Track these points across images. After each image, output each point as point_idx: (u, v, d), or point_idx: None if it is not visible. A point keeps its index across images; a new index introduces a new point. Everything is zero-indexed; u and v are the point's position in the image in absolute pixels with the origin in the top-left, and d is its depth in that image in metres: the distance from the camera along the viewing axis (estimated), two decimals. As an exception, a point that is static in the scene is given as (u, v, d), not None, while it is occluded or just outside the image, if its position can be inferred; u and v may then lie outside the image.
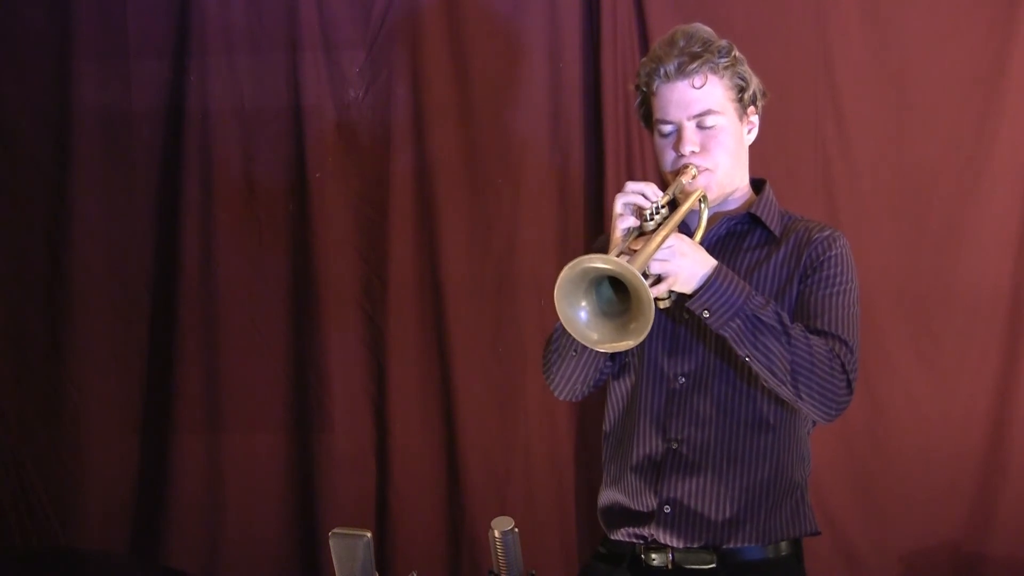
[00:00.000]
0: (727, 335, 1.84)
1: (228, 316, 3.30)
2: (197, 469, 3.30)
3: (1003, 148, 3.05)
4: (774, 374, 1.83)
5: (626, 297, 1.70)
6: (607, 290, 1.75)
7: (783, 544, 1.96)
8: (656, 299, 1.79)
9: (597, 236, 2.25)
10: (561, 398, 2.08)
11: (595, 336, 1.73)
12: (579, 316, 1.73)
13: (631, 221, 1.82)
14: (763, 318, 1.82)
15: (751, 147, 2.06)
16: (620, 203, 1.84)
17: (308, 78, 3.28)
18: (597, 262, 1.67)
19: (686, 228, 1.98)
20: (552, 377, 2.03)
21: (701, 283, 1.82)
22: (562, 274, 1.69)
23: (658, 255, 1.77)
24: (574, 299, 1.72)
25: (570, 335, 1.76)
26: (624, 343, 1.71)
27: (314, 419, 3.29)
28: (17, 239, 3.37)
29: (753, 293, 1.85)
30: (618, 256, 1.75)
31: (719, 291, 1.81)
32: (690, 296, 1.83)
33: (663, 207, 1.82)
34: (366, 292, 3.30)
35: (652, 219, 1.80)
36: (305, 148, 3.28)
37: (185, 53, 3.30)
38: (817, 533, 2.02)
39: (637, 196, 1.83)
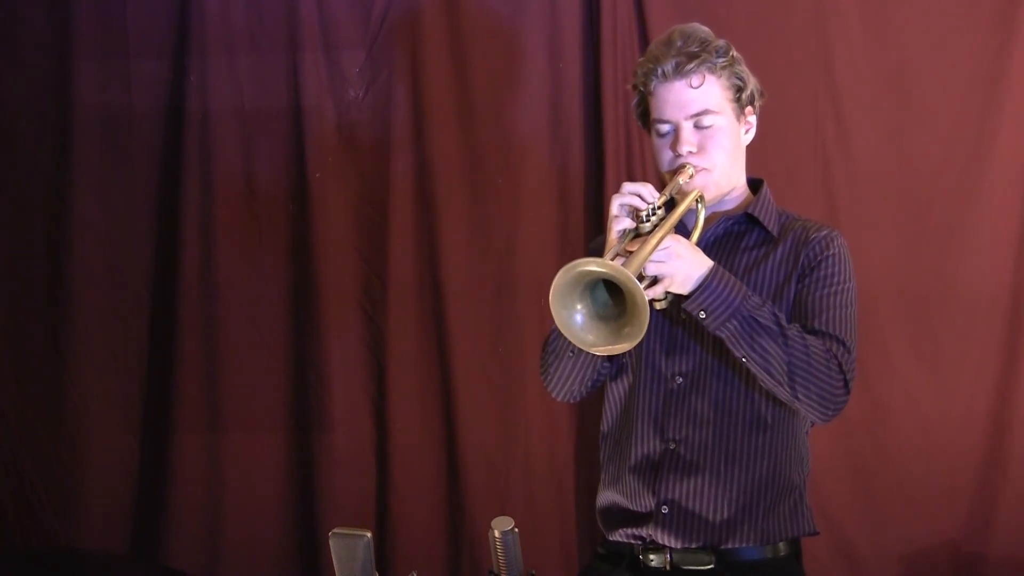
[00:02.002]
0: (724, 336, 1.84)
1: (228, 316, 3.30)
2: (197, 469, 3.29)
3: (1003, 148, 3.05)
4: (771, 375, 1.83)
5: (622, 300, 1.69)
6: (603, 293, 1.75)
7: (781, 545, 1.96)
8: (653, 300, 1.79)
9: (596, 236, 2.25)
10: (559, 399, 2.09)
11: (591, 339, 1.73)
12: (575, 319, 1.73)
13: (627, 223, 1.82)
14: (759, 319, 1.82)
15: (750, 147, 2.06)
16: (616, 204, 1.83)
17: (308, 78, 3.28)
18: (592, 266, 1.67)
19: (683, 228, 1.97)
20: (549, 379, 2.03)
21: (697, 284, 1.82)
22: (557, 278, 1.68)
23: (654, 257, 1.77)
24: (569, 302, 1.72)
25: (566, 337, 1.76)
26: (620, 346, 1.71)
27: (314, 419, 3.29)
28: (17, 239, 3.37)
29: (750, 294, 1.85)
30: (614, 258, 1.74)
31: (715, 292, 1.81)
32: (687, 297, 1.83)
33: (659, 208, 1.82)
34: (366, 292, 3.30)
35: (648, 220, 1.80)
36: (305, 148, 3.28)
37: (185, 53, 3.30)
38: (815, 533, 2.02)
39: (633, 197, 1.82)
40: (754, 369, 1.85)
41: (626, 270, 1.65)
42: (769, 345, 1.82)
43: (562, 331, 1.74)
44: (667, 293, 1.83)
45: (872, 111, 3.11)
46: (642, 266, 1.74)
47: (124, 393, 3.33)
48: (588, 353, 1.92)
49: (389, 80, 3.28)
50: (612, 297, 1.74)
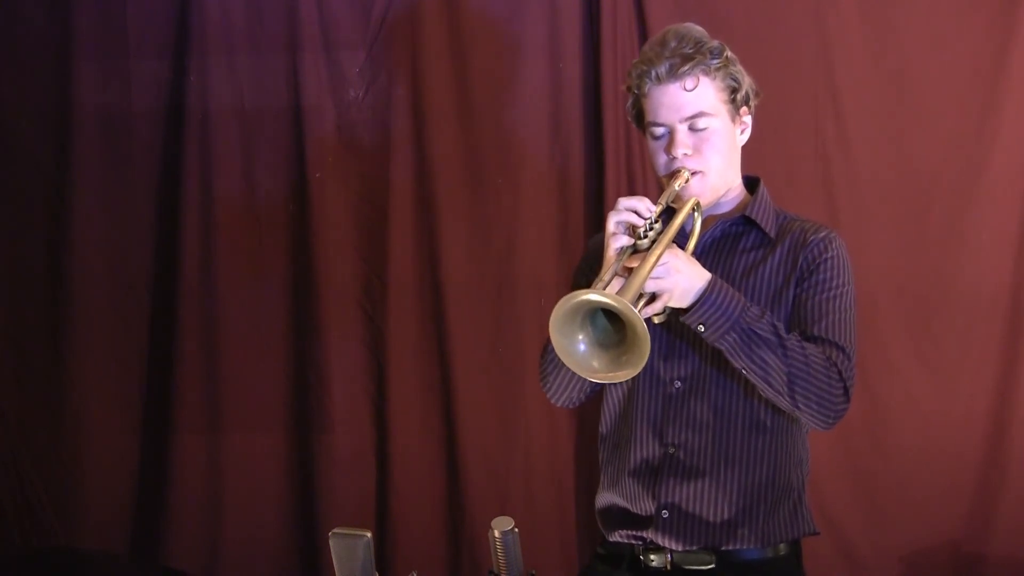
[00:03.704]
0: (723, 348, 1.83)
1: (228, 316, 3.30)
2: (197, 469, 3.29)
3: (1003, 148, 3.05)
4: (771, 385, 1.83)
5: (622, 327, 1.68)
6: (602, 320, 1.73)
7: (781, 546, 1.96)
8: (652, 315, 1.78)
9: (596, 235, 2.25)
10: (557, 405, 2.08)
11: (595, 364, 1.72)
12: (577, 348, 1.72)
13: (625, 240, 1.80)
14: (758, 331, 1.81)
15: (750, 146, 2.05)
16: (613, 222, 1.82)
17: (308, 78, 3.28)
18: (592, 295, 1.66)
19: (680, 233, 1.95)
20: (548, 386, 2.03)
21: (696, 298, 1.81)
22: (556, 309, 1.67)
23: (653, 273, 1.75)
24: (569, 331, 1.70)
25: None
26: (622, 373, 1.70)
27: (314, 419, 3.29)
28: (17, 239, 3.36)
29: (748, 305, 1.84)
30: (612, 277, 1.74)
31: (714, 305, 1.80)
32: (686, 310, 1.82)
33: (656, 222, 1.80)
34: (366, 292, 3.30)
35: (646, 236, 1.79)
36: (305, 148, 3.28)
37: (185, 53, 3.29)
38: (816, 533, 2.02)
39: (630, 214, 1.81)
40: (754, 380, 1.84)
41: (626, 301, 1.63)
42: (768, 356, 1.81)
43: (564, 360, 1.72)
44: (666, 307, 1.83)
45: (872, 111, 3.11)
46: (641, 287, 1.72)
47: (124, 393, 3.33)
48: None
49: (389, 80, 3.28)
50: (612, 323, 1.72)
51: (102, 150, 3.34)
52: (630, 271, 1.74)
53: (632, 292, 1.67)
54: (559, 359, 1.92)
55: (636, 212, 1.81)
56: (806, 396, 1.83)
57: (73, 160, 3.32)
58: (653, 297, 1.79)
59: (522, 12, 3.23)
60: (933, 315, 3.09)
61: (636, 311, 1.63)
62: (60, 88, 3.33)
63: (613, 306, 1.65)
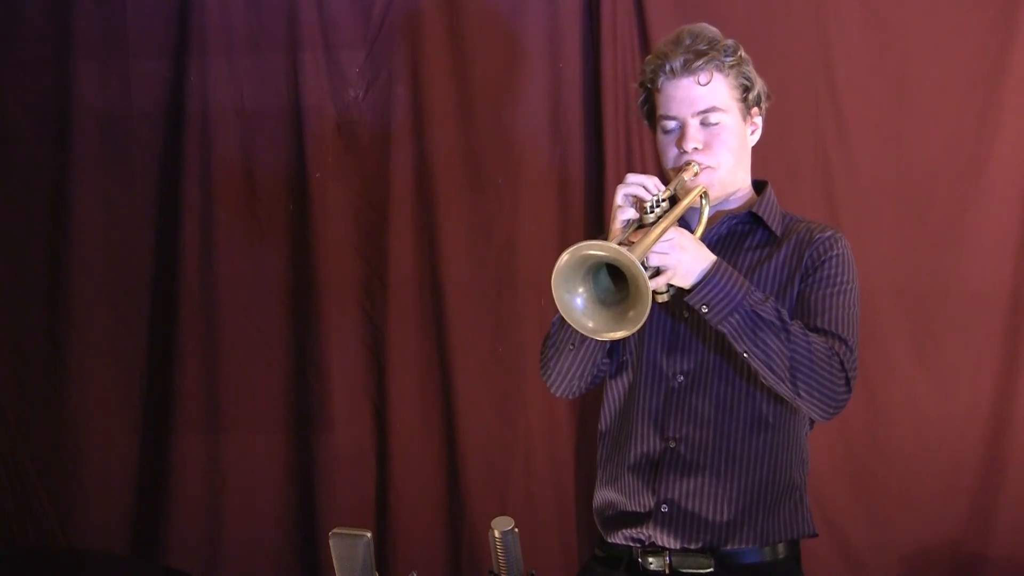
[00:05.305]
0: (726, 331, 1.83)
1: (228, 316, 3.30)
2: (197, 469, 3.30)
3: (1003, 148, 3.06)
4: (773, 370, 1.82)
5: (624, 286, 1.69)
6: (605, 279, 1.74)
7: (780, 547, 1.95)
8: (655, 292, 1.78)
9: (596, 236, 2.25)
10: (557, 395, 2.07)
11: (591, 324, 1.72)
12: (575, 303, 1.72)
13: (631, 213, 1.82)
14: (762, 314, 1.81)
15: (751, 147, 2.06)
16: (621, 194, 1.83)
17: (308, 78, 3.28)
18: (596, 249, 1.66)
19: (686, 226, 1.97)
20: (549, 372, 2.02)
21: (700, 277, 1.81)
22: (560, 260, 1.67)
23: (657, 248, 1.76)
24: (571, 286, 1.71)
25: (568, 327, 1.75)
26: (621, 331, 1.70)
27: (314, 419, 3.29)
28: (17, 239, 3.37)
29: (752, 289, 1.84)
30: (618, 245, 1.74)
31: (718, 286, 1.81)
32: (689, 291, 1.83)
33: (664, 201, 1.81)
34: (366, 292, 3.30)
35: (652, 212, 1.79)
36: (305, 148, 3.28)
37: (185, 53, 3.30)
38: (815, 535, 2.02)
39: (638, 188, 1.82)
40: (756, 365, 1.84)
41: (629, 254, 1.64)
42: (771, 340, 1.81)
43: (563, 314, 1.73)
44: (669, 286, 1.83)
45: (872, 111, 3.11)
46: (646, 254, 1.72)
47: (124, 393, 3.33)
48: (589, 347, 1.93)
49: (389, 80, 3.28)
50: (615, 283, 1.73)
51: (102, 150, 3.34)
52: (634, 243, 1.74)
53: (637, 255, 1.67)
54: (560, 340, 1.93)
55: (644, 187, 1.81)
56: (808, 383, 1.82)
57: (73, 160, 3.33)
58: (657, 272, 1.79)
59: (522, 12, 3.24)
60: (933, 315, 3.09)
61: (638, 264, 1.63)
62: (60, 88, 3.33)
63: (615, 259, 1.66)
